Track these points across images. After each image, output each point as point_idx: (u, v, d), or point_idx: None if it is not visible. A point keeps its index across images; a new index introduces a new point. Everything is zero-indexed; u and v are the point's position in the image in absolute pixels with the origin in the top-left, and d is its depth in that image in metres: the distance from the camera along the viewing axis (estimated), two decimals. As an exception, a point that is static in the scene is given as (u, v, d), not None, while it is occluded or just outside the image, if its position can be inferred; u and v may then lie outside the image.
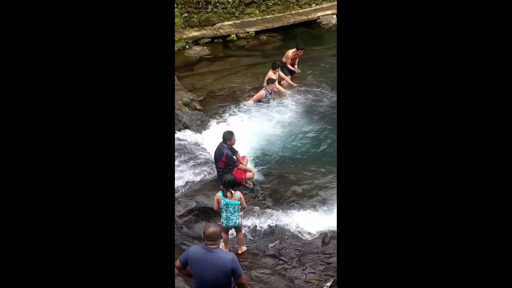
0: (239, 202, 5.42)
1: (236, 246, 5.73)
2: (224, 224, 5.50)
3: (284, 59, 10.22)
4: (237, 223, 5.49)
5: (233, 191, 5.43)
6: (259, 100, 9.08)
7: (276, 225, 6.12)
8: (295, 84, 9.88)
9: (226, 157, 6.58)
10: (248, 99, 9.30)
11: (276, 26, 12.98)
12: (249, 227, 6.11)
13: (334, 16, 13.44)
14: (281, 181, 7.12)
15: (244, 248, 5.70)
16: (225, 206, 5.43)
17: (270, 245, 5.85)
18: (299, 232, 6.06)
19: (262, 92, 9.12)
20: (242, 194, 5.62)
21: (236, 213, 5.44)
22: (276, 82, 9.28)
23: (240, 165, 6.79)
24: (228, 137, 6.70)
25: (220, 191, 5.51)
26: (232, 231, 5.81)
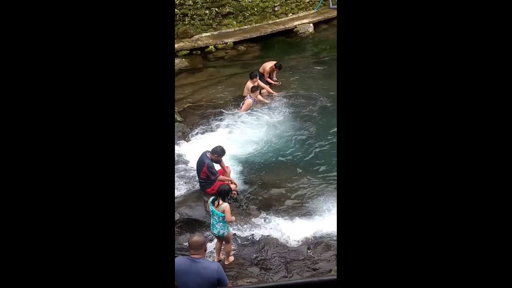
0: (223, 214, 5.40)
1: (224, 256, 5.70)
2: (211, 230, 5.61)
3: (261, 70, 10.28)
4: (221, 233, 5.49)
5: (220, 201, 5.44)
6: (248, 109, 9.11)
7: (261, 233, 6.09)
8: (275, 93, 9.93)
9: (207, 167, 6.53)
10: (230, 109, 9.32)
11: (254, 36, 13.04)
12: (234, 236, 6.07)
13: (311, 25, 13.62)
14: (264, 189, 7.10)
15: (231, 259, 5.67)
16: (211, 213, 5.54)
17: (255, 253, 5.81)
18: (284, 240, 6.04)
19: (249, 101, 9.17)
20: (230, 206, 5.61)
21: (221, 223, 5.45)
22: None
23: (220, 176, 6.71)
24: (220, 153, 6.64)
25: (212, 197, 5.64)
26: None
